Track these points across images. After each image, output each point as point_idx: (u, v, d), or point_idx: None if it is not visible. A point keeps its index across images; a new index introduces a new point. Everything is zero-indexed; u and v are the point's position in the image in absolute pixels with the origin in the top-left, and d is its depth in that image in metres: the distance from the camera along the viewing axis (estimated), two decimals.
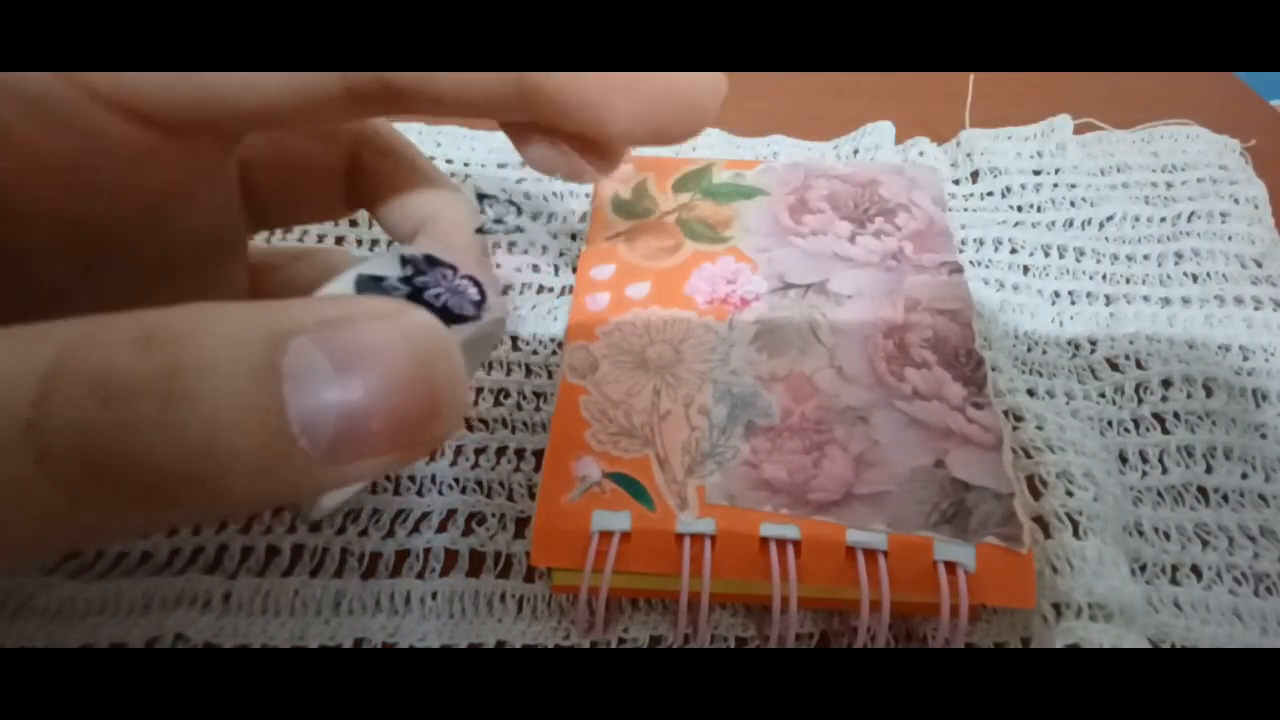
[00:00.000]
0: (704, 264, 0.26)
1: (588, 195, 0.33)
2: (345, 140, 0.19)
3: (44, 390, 0.09)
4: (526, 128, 0.17)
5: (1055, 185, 0.34)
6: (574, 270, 0.28)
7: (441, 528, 0.23)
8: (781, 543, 0.20)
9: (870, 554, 0.20)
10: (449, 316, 0.15)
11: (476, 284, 0.15)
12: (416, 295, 0.14)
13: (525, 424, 0.25)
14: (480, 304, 0.15)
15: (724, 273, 0.26)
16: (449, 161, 0.35)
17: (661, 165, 0.30)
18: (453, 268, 0.15)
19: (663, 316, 0.25)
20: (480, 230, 0.20)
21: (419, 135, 0.36)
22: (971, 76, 0.39)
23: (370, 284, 0.14)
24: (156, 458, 0.09)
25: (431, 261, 0.15)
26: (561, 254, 0.31)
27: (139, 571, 0.22)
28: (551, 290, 0.30)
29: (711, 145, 0.36)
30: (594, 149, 0.18)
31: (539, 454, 0.25)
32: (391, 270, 0.14)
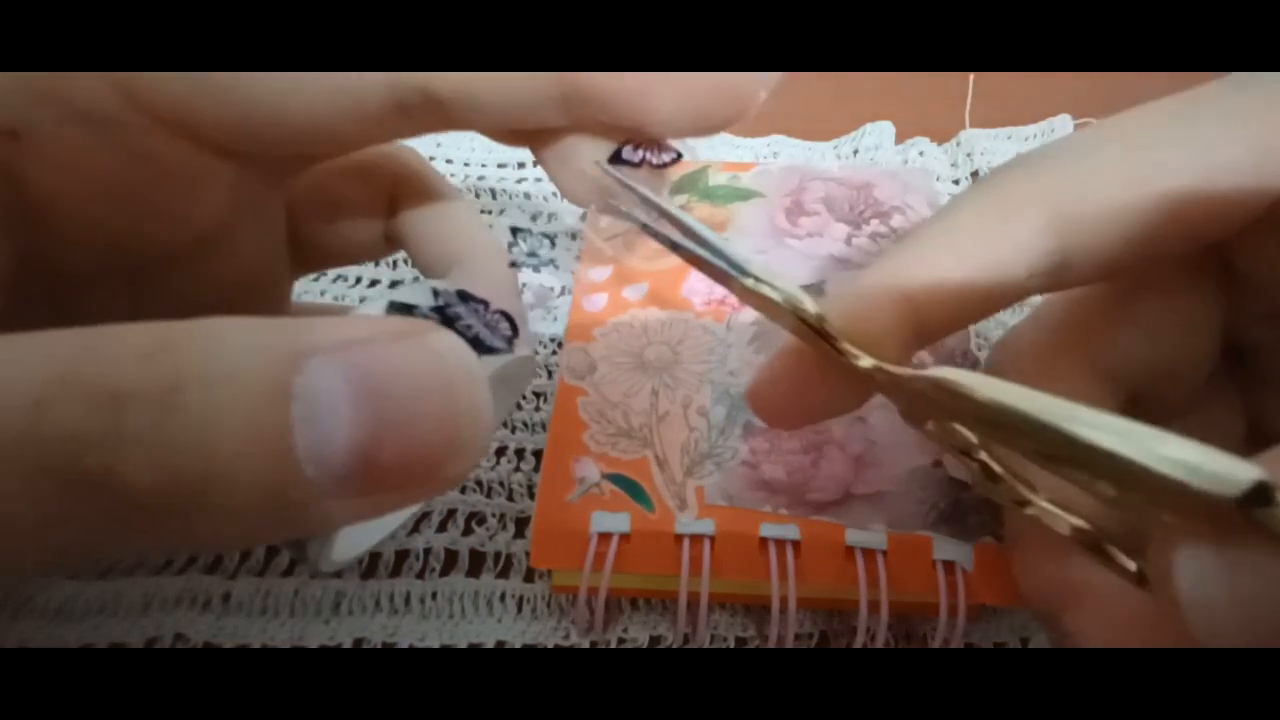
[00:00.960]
0: None
1: None
2: (386, 179, 0.19)
3: (42, 398, 0.09)
4: (559, 139, 0.17)
5: None
6: (573, 271, 0.28)
7: (441, 527, 0.23)
8: (781, 543, 0.20)
9: (869, 554, 0.20)
10: (480, 348, 0.14)
11: (509, 319, 0.15)
12: (448, 325, 0.14)
13: (525, 424, 0.25)
14: (512, 339, 0.15)
15: None
16: (449, 162, 0.35)
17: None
18: (484, 303, 0.15)
19: (660, 318, 0.25)
20: (514, 264, 0.20)
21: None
22: (971, 76, 0.39)
23: (401, 310, 0.14)
24: (146, 473, 0.09)
25: (463, 296, 0.15)
26: (561, 254, 0.31)
27: (139, 571, 0.22)
28: (551, 290, 0.30)
29: (711, 146, 0.36)
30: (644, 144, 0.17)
31: (539, 454, 0.25)
32: (423, 300, 0.14)
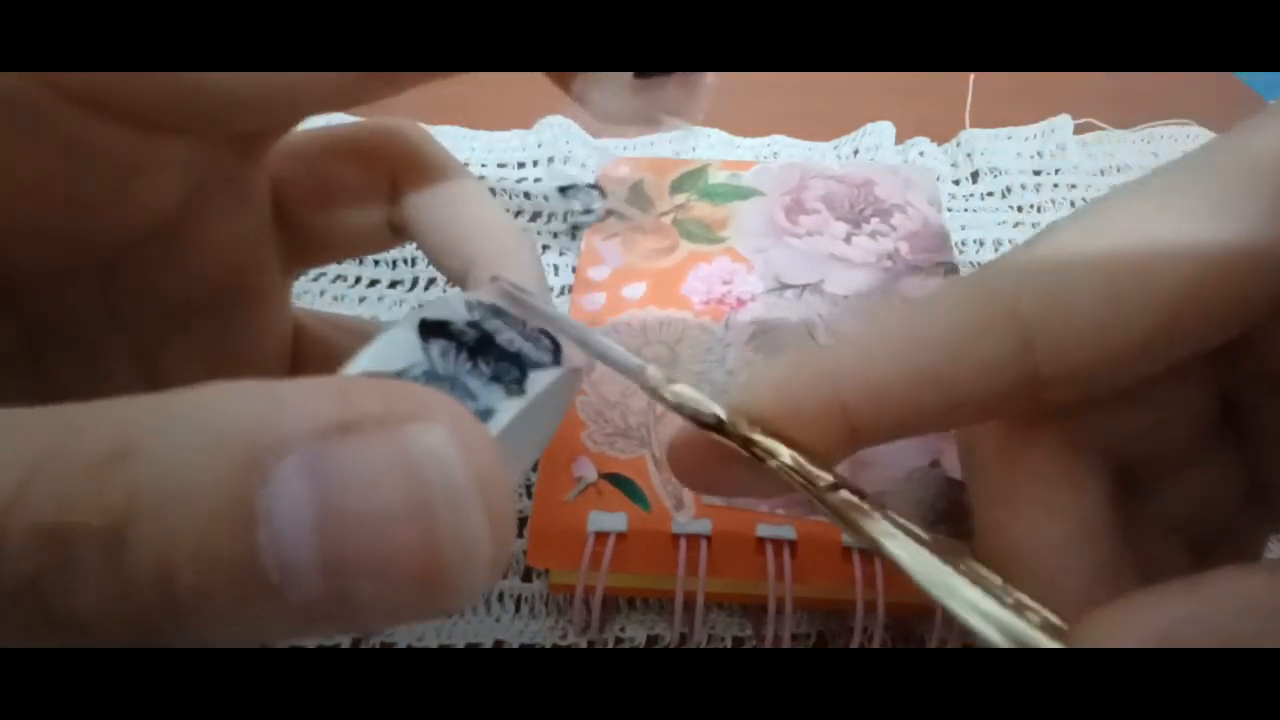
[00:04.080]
0: (700, 264, 0.26)
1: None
2: (387, 160, 0.17)
3: None
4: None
5: (1055, 185, 0.34)
6: (573, 270, 0.28)
7: None
8: (778, 543, 0.20)
9: (866, 554, 0.20)
10: (524, 364, 0.13)
11: (548, 335, 0.14)
12: (487, 342, 0.13)
13: None
14: (557, 352, 0.14)
15: (720, 273, 0.26)
16: None
17: (658, 166, 0.30)
18: (522, 321, 0.14)
19: (659, 317, 0.25)
20: (575, 229, 0.17)
21: None
22: (971, 76, 0.39)
23: (435, 329, 0.13)
24: (108, 614, 0.08)
25: (498, 311, 0.14)
26: (561, 254, 0.31)
27: None
28: (551, 290, 0.30)
29: (712, 145, 0.36)
30: None
31: None
32: (456, 314, 0.13)
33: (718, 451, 0.13)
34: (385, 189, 0.18)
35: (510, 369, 0.13)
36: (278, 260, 0.18)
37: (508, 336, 0.13)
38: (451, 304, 0.13)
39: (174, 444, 0.08)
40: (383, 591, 0.08)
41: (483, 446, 0.09)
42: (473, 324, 0.13)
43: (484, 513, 0.08)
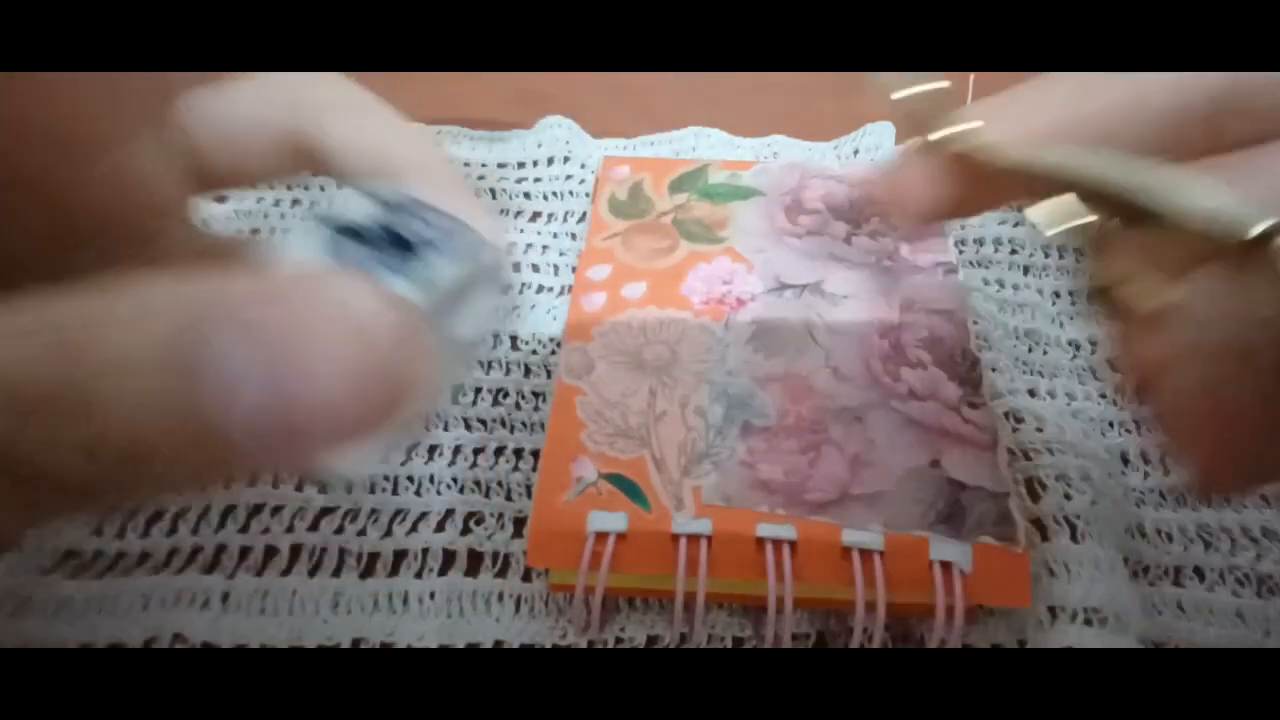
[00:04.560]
0: (700, 264, 0.26)
1: (587, 195, 0.33)
2: (286, 89, 0.17)
3: None
4: None
5: None
6: (574, 270, 0.28)
7: (439, 527, 0.23)
8: (777, 543, 0.20)
9: (866, 554, 0.20)
10: (435, 254, 0.13)
11: (462, 223, 0.14)
12: (398, 240, 0.13)
13: (524, 424, 0.25)
14: (475, 244, 0.14)
15: (720, 273, 0.26)
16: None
17: (658, 166, 0.30)
18: (435, 210, 0.14)
19: (659, 317, 0.25)
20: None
21: None
22: (971, 76, 0.39)
23: (345, 234, 0.13)
24: (72, 466, 0.09)
25: (406, 202, 0.14)
26: (561, 254, 0.31)
27: (137, 571, 0.22)
28: (551, 290, 0.30)
29: (712, 145, 0.36)
30: None
31: (537, 453, 0.25)
32: (361, 213, 0.13)
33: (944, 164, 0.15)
34: (287, 115, 0.17)
35: (413, 261, 0.13)
36: (184, 183, 0.17)
37: (415, 228, 0.13)
38: (352, 202, 0.13)
39: (111, 315, 0.09)
40: (328, 428, 0.09)
41: (400, 297, 0.10)
42: (383, 225, 0.13)
43: (417, 349, 0.10)
